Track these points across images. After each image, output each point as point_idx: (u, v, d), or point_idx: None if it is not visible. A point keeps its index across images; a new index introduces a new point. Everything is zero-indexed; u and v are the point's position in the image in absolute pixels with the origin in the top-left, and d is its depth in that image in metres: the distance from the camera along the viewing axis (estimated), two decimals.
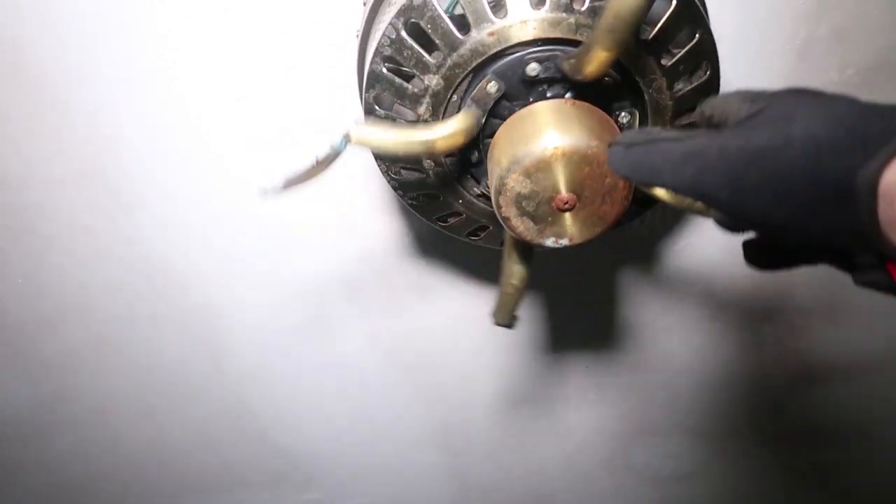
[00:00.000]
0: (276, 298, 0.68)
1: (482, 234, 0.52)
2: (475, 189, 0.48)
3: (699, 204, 0.33)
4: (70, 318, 0.68)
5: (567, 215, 0.41)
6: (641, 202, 0.49)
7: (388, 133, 0.40)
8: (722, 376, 0.79)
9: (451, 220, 0.51)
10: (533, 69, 0.42)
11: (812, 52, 0.56)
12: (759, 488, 0.92)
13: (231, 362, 0.73)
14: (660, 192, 0.36)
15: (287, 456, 0.84)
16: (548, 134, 0.38)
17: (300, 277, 0.68)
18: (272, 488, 0.89)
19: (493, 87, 0.42)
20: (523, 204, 0.40)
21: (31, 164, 0.58)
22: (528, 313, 0.72)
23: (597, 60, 0.38)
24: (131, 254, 0.64)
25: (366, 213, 0.63)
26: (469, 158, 0.47)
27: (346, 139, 0.39)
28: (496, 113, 0.43)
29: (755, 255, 0.36)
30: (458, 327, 0.73)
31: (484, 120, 0.43)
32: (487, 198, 0.48)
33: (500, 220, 0.41)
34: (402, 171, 0.48)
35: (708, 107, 0.35)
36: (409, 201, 0.50)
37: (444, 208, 0.50)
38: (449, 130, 0.41)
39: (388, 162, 0.47)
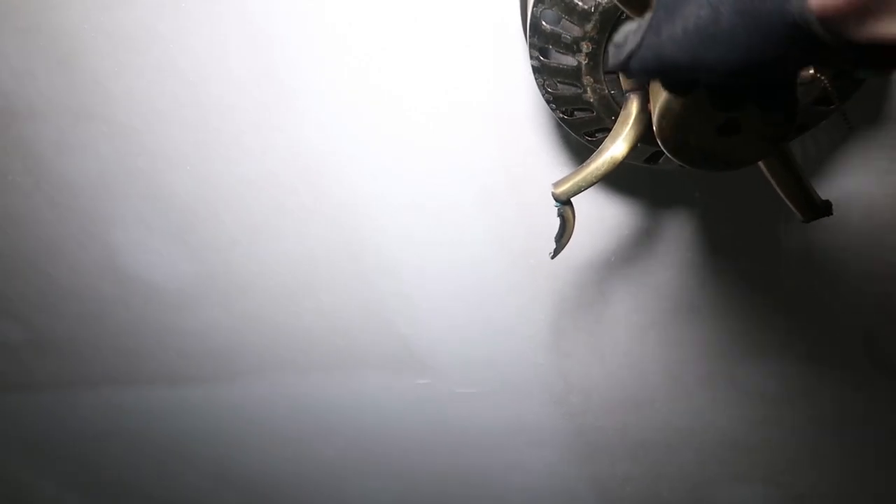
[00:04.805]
0: (413, 198, 0.73)
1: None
2: None
3: None
4: (230, 205, 0.75)
5: (728, 140, 0.41)
6: (799, 127, 0.49)
7: None
8: (841, 302, 0.79)
9: (599, 136, 0.53)
10: None
11: None
12: (865, 417, 0.92)
13: (367, 255, 0.79)
14: None
15: (407, 344, 0.92)
16: None
17: (437, 181, 0.71)
18: (390, 371, 0.97)
19: None
20: (685, 130, 0.41)
21: (208, 63, 0.63)
22: (646, 229, 0.73)
23: None
24: (288, 149, 0.69)
25: (506, 122, 0.65)
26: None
27: None
28: None
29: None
30: (580, 237, 0.76)
31: None
32: None
33: (660, 144, 0.42)
34: (559, 86, 0.49)
35: None
36: (561, 115, 0.52)
37: (595, 123, 0.52)
38: None
39: (546, 76, 0.49)
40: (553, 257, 0.52)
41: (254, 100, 0.64)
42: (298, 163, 0.70)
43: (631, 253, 0.76)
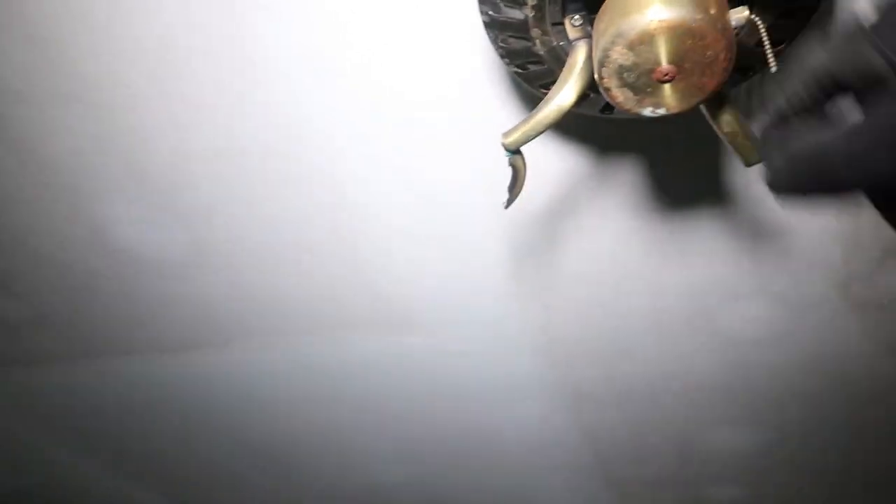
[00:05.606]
0: (393, 162, 0.74)
1: (583, 102, 0.55)
2: None
3: None
4: (211, 173, 0.76)
5: (666, 86, 0.43)
6: (742, 71, 0.50)
7: None
8: (812, 243, 0.80)
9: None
10: None
11: None
12: (840, 357, 0.95)
13: (346, 218, 0.81)
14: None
15: (394, 305, 0.94)
16: (653, 7, 0.40)
17: (413, 145, 0.73)
18: (378, 332, 1.00)
19: None
20: (624, 75, 0.42)
21: (178, 33, 0.64)
22: (623, 177, 0.75)
23: None
24: (263, 116, 0.70)
25: (466, 82, 0.66)
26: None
27: None
28: None
29: None
30: (552, 191, 0.77)
31: None
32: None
33: (601, 90, 0.44)
34: (511, 40, 0.51)
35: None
36: (515, 69, 0.53)
37: (548, 76, 0.53)
38: None
39: (496, 31, 0.50)
40: (506, 207, 0.53)
41: (228, 68, 0.65)
42: (275, 129, 0.71)
43: (604, 203, 0.78)
